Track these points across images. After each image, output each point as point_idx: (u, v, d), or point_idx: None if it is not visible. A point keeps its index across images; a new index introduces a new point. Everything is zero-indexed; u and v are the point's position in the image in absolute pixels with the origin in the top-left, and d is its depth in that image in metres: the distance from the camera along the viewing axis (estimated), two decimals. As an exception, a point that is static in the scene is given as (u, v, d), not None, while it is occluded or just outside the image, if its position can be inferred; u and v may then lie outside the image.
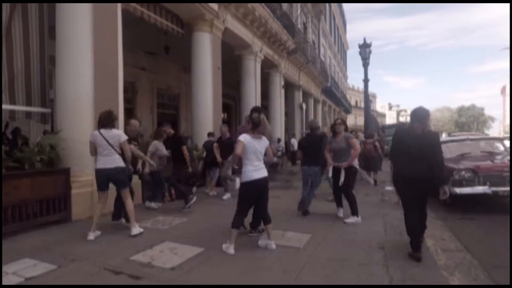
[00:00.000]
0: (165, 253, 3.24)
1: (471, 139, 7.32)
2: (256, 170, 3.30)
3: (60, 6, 4.73)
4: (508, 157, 5.86)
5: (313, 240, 3.60)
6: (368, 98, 12.07)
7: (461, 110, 70.04)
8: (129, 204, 3.91)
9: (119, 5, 5.41)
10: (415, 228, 3.18)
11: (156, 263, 2.96)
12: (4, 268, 2.79)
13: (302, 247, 3.38)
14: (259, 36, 10.97)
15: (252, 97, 11.15)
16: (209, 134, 7.28)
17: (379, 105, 73.58)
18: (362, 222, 4.41)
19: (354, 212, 4.47)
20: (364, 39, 12.36)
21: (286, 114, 16.10)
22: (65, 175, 4.41)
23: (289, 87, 16.06)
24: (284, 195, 6.66)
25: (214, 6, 7.98)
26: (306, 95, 18.51)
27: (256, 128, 3.34)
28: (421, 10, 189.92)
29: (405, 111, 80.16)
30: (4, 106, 4.40)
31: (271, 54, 12.33)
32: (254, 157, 3.30)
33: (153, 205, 5.55)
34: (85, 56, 4.78)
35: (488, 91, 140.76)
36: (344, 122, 4.94)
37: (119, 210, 4.26)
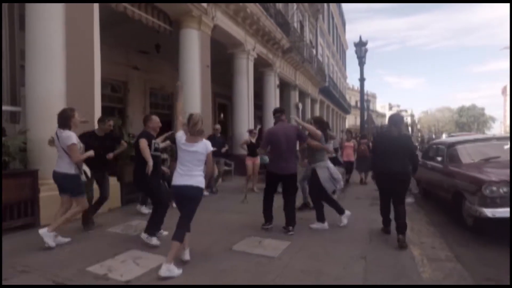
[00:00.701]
0: (126, 263, 2.98)
1: (498, 138, 5.74)
2: (180, 175, 2.91)
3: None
4: None
5: (290, 249, 3.33)
6: (363, 98, 11.81)
7: (461, 110, 69.72)
8: (71, 213, 3.54)
9: (95, -2, 5.15)
10: (387, 211, 3.91)
11: (112, 275, 2.70)
12: None
13: (277, 256, 3.12)
14: (252, 34, 10.71)
15: (244, 96, 10.89)
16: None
17: (379, 105, 73.22)
18: (347, 228, 4.14)
19: (319, 218, 4.20)
20: (360, 37, 12.13)
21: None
22: (32, 178, 4.15)
23: (285, 86, 15.80)
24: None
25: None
26: (303, 95, 18.23)
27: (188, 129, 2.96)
28: (422, 10, 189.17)
29: (406, 111, 79.76)
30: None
31: (265, 53, 12.07)
32: (183, 160, 2.93)
33: (144, 209, 5.07)
34: (57, 50, 4.51)
35: (488, 91, 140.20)
36: (317, 121, 4.76)
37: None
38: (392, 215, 3.70)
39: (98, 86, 5.20)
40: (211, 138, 6.44)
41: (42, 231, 3.36)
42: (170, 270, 2.66)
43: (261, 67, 12.79)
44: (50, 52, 4.48)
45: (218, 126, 7.34)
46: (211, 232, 4.00)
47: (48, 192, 4.34)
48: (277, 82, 13.63)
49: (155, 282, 2.60)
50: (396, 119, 3.87)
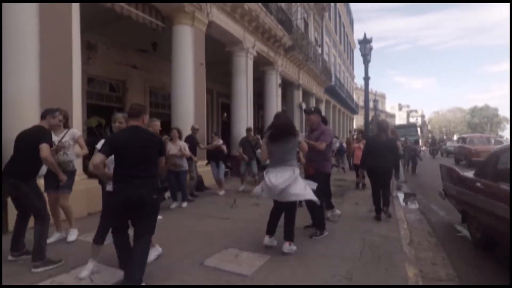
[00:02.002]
0: (81, 279, 2.67)
1: None
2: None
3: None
4: None
5: (268, 265, 2.96)
6: (368, 97, 11.30)
7: (474, 111, 67.78)
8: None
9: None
10: (378, 200, 4.73)
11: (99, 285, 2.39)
12: None
13: (251, 275, 2.75)
14: (251, 31, 10.36)
15: (243, 95, 10.54)
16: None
17: (389, 106, 71.89)
18: (339, 239, 3.74)
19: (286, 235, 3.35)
20: (364, 34, 11.59)
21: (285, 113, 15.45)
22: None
23: (288, 85, 15.41)
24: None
25: (196, -3, 7.42)
26: (307, 94, 17.80)
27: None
28: (434, 9, 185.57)
29: (416, 111, 78.23)
30: None
31: (265, 51, 11.70)
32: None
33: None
34: (30, 45, 4.24)
35: (503, 92, 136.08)
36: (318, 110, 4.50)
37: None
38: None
39: (77, 84, 4.92)
40: (189, 139, 6.21)
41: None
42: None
43: (262, 66, 12.44)
44: (22, 46, 4.21)
45: (197, 126, 6.94)
46: (188, 242, 3.66)
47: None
48: (279, 81, 13.25)
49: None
50: (384, 125, 5.00)
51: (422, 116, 79.57)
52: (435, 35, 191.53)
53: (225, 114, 16.48)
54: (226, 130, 13.65)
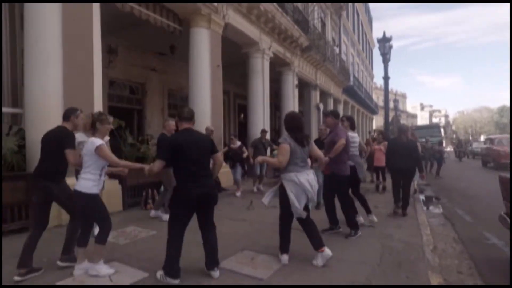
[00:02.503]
0: (100, 278, 2.72)
1: None
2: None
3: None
4: None
5: (284, 269, 2.91)
6: (388, 97, 11.02)
7: (502, 110, 64.35)
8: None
9: (95, -2, 5.04)
10: (398, 196, 5.09)
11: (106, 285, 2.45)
12: None
13: (267, 278, 2.71)
14: (267, 32, 10.33)
15: (259, 96, 10.52)
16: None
17: (410, 106, 69.71)
18: (357, 244, 3.63)
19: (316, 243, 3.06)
20: (384, 33, 11.36)
21: (302, 114, 15.30)
22: (25, 181, 4.06)
23: (305, 86, 15.26)
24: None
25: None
26: (324, 95, 17.57)
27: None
28: (459, 5, 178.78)
29: (439, 111, 75.42)
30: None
31: (282, 52, 11.64)
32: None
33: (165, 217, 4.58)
34: (53, 49, 4.42)
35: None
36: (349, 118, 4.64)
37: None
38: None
39: (98, 87, 5.07)
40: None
41: None
42: (98, 270, 2.75)
43: (278, 67, 12.39)
44: (46, 51, 4.38)
45: (212, 128, 6.77)
46: (204, 243, 3.67)
47: (43, 195, 4.25)
48: (296, 82, 13.15)
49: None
50: (404, 128, 5.56)
51: (446, 116, 76.61)
52: (460, 32, 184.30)
53: (242, 115, 16.52)
54: (243, 131, 13.68)
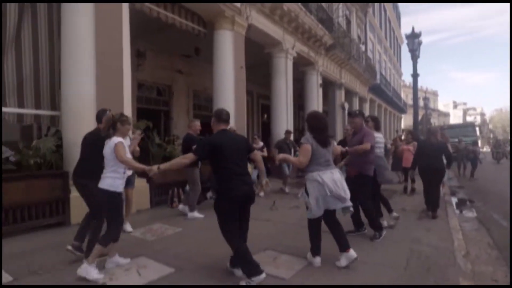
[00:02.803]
0: (130, 272, 2.86)
1: None
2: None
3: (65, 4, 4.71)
4: None
5: (307, 269, 2.90)
6: (417, 95, 10.59)
7: (546, 108, 59.55)
8: None
9: (125, 4, 5.28)
10: (429, 199, 5.14)
11: (111, 284, 2.58)
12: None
13: (289, 278, 2.72)
14: (291, 32, 10.29)
15: (283, 97, 10.50)
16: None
17: (442, 104, 66.38)
18: (383, 247, 3.54)
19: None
20: (413, 28, 10.93)
21: (326, 114, 15.07)
22: (62, 178, 4.34)
23: (329, 85, 15.02)
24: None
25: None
26: (350, 94, 17.19)
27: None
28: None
29: (474, 109, 71.14)
30: (12, 110, 4.52)
31: (305, 51, 11.54)
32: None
33: (196, 214, 4.99)
34: (87, 55, 4.69)
35: None
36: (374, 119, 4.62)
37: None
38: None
39: (127, 89, 5.31)
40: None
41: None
42: (88, 272, 2.68)
43: (302, 66, 12.29)
44: (81, 57, 4.66)
45: (234, 128, 6.79)
46: (228, 242, 3.74)
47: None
48: (320, 81, 12.97)
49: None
50: (434, 130, 5.72)
51: (482, 114, 72.12)
52: (498, 24, 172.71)
53: (265, 116, 16.55)
54: (266, 131, 13.71)
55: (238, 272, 2.75)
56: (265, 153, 7.14)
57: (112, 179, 2.80)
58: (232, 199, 2.69)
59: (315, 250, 3.05)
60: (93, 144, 3.09)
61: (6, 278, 2.71)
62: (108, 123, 2.89)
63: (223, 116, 2.88)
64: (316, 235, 3.08)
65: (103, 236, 2.83)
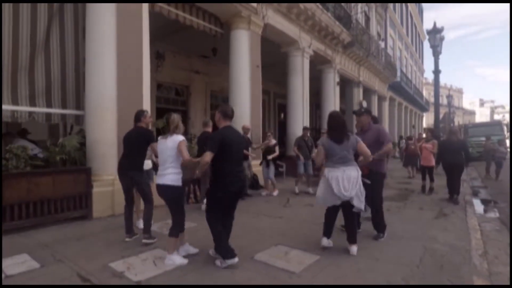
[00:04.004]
0: (147, 262, 3.01)
1: None
2: (158, 175, 3.06)
3: (89, 6, 4.96)
4: None
5: (317, 265, 2.93)
6: (438, 92, 10.26)
7: None
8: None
9: (144, 6, 5.48)
10: (451, 184, 6.11)
11: (128, 274, 2.73)
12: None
13: (298, 272, 2.77)
14: (307, 30, 10.25)
15: (299, 95, 10.47)
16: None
17: (468, 102, 63.66)
18: (396, 245, 3.50)
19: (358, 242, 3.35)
20: (434, 23, 10.60)
21: (343, 112, 14.86)
22: (85, 174, 4.59)
23: (347, 83, 14.81)
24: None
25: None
26: (368, 92, 16.88)
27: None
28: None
29: (503, 107, 67.63)
30: (40, 110, 4.82)
31: (322, 49, 11.45)
32: (159, 160, 3.10)
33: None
34: (109, 56, 4.92)
35: None
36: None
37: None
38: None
39: (146, 90, 5.51)
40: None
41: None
42: (172, 259, 2.93)
43: (319, 65, 12.22)
44: (103, 59, 4.89)
45: (248, 126, 6.99)
46: (241, 237, 3.81)
47: (100, 188, 4.76)
48: (337, 79, 12.83)
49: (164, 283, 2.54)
50: (454, 130, 6.71)
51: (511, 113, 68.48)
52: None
53: (282, 115, 16.55)
54: (283, 130, 13.72)
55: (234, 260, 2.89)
56: (277, 152, 7.03)
57: (174, 175, 2.97)
58: (226, 193, 2.85)
59: (325, 232, 3.37)
60: (139, 141, 3.64)
61: (34, 265, 2.92)
62: (175, 123, 3.03)
63: (229, 113, 2.97)
64: (328, 221, 3.38)
65: (171, 229, 3.01)
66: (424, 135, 9.37)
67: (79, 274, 2.73)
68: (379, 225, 3.77)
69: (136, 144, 3.64)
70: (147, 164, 4.33)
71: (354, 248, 3.20)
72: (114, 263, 2.96)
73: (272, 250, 3.33)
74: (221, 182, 2.84)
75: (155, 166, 4.21)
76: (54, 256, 3.15)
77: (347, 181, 3.07)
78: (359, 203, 3.17)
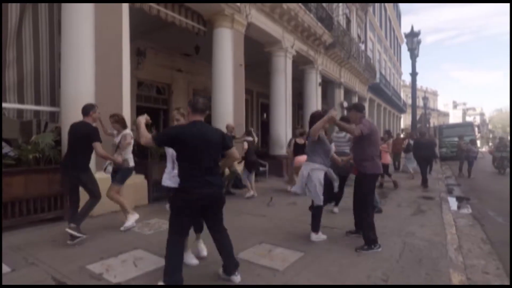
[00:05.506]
0: (126, 263, 2.91)
1: None
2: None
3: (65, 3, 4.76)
4: None
5: (300, 262, 2.95)
6: (415, 94, 10.62)
7: (547, 108, 59.47)
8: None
9: (125, 3, 5.32)
10: (425, 173, 8.17)
11: (106, 276, 2.63)
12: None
13: (282, 270, 2.77)
14: (290, 30, 10.33)
15: (282, 95, 10.53)
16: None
17: (442, 103, 66.23)
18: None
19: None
20: (412, 27, 11.00)
21: (325, 112, 15.08)
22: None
23: (329, 84, 15.06)
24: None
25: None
26: (349, 93, 17.22)
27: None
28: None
29: (474, 109, 71.15)
30: (12, 105, 4.57)
31: (305, 50, 11.57)
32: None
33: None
34: (87, 53, 4.73)
35: None
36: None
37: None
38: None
39: (126, 87, 5.35)
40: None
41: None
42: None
43: (301, 65, 12.33)
44: (81, 54, 4.70)
45: (232, 124, 6.99)
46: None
47: (77, 187, 4.57)
48: (319, 80, 13.01)
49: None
50: (422, 132, 9.57)
51: (481, 115, 72.09)
52: (505, 23, 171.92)
53: (265, 115, 16.59)
54: (266, 130, 13.76)
55: (237, 278, 2.53)
56: (245, 146, 6.71)
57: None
58: (185, 201, 2.35)
59: (312, 227, 3.71)
60: (81, 137, 3.49)
61: (5, 269, 2.76)
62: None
63: (198, 105, 2.45)
64: (316, 215, 3.69)
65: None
66: (402, 135, 9.91)
67: (53, 277, 2.60)
68: (365, 236, 3.35)
69: (80, 140, 3.48)
70: (131, 159, 4.23)
71: (312, 235, 3.62)
72: (91, 265, 2.85)
73: (256, 248, 3.32)
74: (180, 187, 2.39)
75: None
76: (26, 259, 2.99)
77: (304, 178, 3.61)
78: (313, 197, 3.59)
